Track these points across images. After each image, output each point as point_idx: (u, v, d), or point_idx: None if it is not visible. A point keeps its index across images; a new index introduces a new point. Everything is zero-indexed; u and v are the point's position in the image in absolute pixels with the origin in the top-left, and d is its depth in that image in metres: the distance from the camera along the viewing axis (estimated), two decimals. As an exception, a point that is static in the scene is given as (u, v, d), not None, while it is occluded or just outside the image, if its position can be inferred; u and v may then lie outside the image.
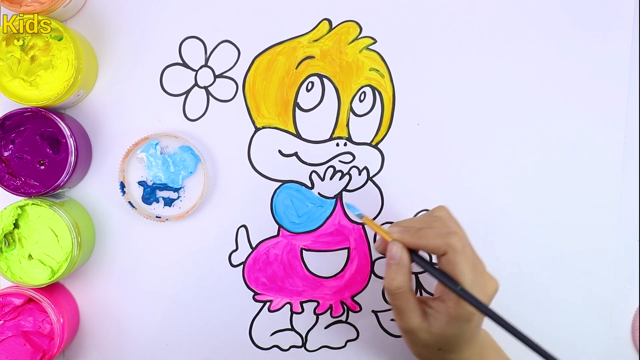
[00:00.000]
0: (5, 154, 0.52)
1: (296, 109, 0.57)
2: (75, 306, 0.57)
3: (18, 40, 0.51)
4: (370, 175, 0.57)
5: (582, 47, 0.57)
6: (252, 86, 0.56)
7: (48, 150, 0.52)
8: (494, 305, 0.47)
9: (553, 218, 0.58)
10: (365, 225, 0.58)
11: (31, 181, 0.53)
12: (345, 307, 0.58)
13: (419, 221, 0.50)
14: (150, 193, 0.55)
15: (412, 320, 0.48)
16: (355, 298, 0.58)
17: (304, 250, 0.58)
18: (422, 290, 0.58)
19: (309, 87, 0.56)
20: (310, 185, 0.57)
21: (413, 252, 0.48)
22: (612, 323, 0.59)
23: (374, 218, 0.57)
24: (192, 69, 0.56)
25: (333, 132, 0.57)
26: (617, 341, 0.59)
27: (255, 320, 0.58)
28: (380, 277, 0.58)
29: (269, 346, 0.58)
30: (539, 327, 0.57)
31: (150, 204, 0.55)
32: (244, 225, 0.57)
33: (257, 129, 0.57)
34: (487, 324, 0.53)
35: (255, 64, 0.56)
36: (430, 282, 0.58)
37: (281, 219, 0.57)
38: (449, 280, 0.46)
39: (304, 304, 0.58)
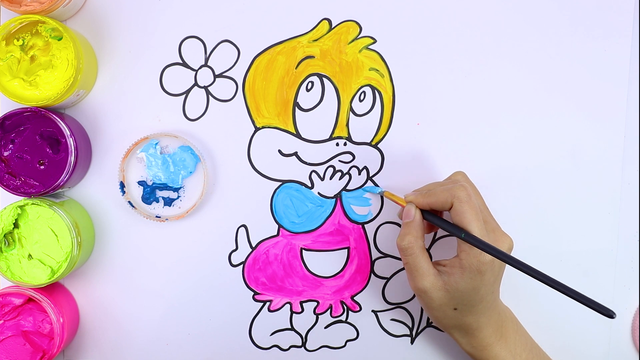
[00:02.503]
0: (5, 153, 0.52)
1: (296, 108, 0.57)
2: (75, 306, 0.57)
3: (18, 40, 0.51)
4: (370, 175, 0.57)
5: (582, 47, 0.57)
6: (252, 86, 0.56)
7: (48, 150, 0.52)
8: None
9: (553, 218, 0.58)
10: (366, 225, 0.58)
11: (31, 181, 0.53)
12: (345, 307, 0.58)
13: (434, 184, 0.53)
14: (150, 193, 0.55)
15: (424, 279, 0.49)
16: (355, 298, 0.58)
17: (303, 250, 0.58)
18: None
19: (309, 87, 0.56)
20: (310, 185, 0.57)
21: (426, 212, 0.51)
22: (612, 323, 0.58)
23: (375, 217, 0.57)
24: (192, 69, 0.56)
25: (333, 132, 0.57)
26: (617, 341, 0.59)
27: (255, 320, 0.58)
28: (380, 277, 0.58)
29: (268, 346, 0.58)
30: (539, 327, 0.57)
31: (150, 203, 0.55)
32: (243, 225, 0.57)
33: (257, 129, 0.57)
34: (509, 301, 0.54)
35: (255, 63, 0.56)
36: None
37: (281, 218, 0.57)
38: (456, 229, 0.48)
39: (303, 304, 0.58)
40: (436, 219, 0.51)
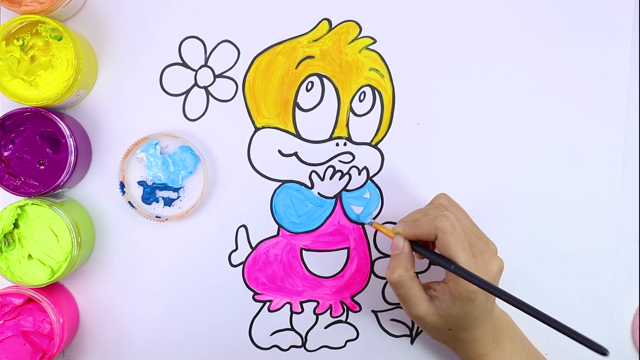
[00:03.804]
0: (5, 153, 0.52)
1: (296, 108, 0.57)
2: (75, 306, 0.57)
3: (18, 40, 0.51)
4: (370, 175, 0.57)
5: (582, 47, 0.57)
6: (252, 86, 0.56)
7: (48, 150, 0.52)
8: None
9: (553, 218, 0.58)
10: (368, 226, 0.58)
11: (31, 181, 0.53)
12: (345, 307, 0.58)
13: (418, 213, 0.52)
14: (150, 193, 0.55)
15: (418, 307, 0.49)
16: (355, 298, 0.58)
17: (303, 250, 0.58)
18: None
19: (309, 87, 0.56)
20: (310, 185, 0.57)
21: (414, 243, 0.50)
22: (612, 323, 0.59)
23: (375, 217, 0.57)
24: (192, 69, 0.56)
25: (333, 132, 0.57)
26: (617, 341, 0.59)
27: (255, 320, 0.58)
28: (380, 277, 0.58)
29: (268, 346, 0.58)
30: (539, 328, 0.57)
31: (150, 203, 0.55)
32: (243, 225, 0.57)
33: (256, 129, 0.57)
34: (508, 306, 0.54)
35: (255, 63, 0.56)
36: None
37: (281, 218, 0.57)
38: (445, 261, 0.48)
39: (303, 304, 0.58)
40: (425, 251, 0.50)
